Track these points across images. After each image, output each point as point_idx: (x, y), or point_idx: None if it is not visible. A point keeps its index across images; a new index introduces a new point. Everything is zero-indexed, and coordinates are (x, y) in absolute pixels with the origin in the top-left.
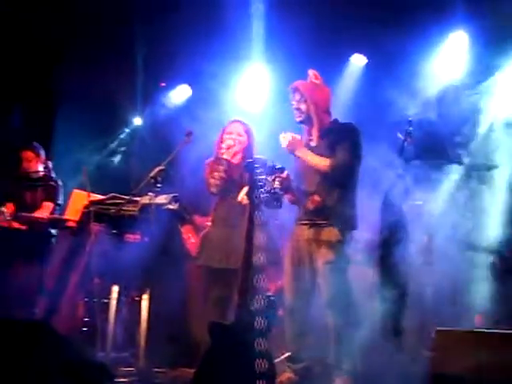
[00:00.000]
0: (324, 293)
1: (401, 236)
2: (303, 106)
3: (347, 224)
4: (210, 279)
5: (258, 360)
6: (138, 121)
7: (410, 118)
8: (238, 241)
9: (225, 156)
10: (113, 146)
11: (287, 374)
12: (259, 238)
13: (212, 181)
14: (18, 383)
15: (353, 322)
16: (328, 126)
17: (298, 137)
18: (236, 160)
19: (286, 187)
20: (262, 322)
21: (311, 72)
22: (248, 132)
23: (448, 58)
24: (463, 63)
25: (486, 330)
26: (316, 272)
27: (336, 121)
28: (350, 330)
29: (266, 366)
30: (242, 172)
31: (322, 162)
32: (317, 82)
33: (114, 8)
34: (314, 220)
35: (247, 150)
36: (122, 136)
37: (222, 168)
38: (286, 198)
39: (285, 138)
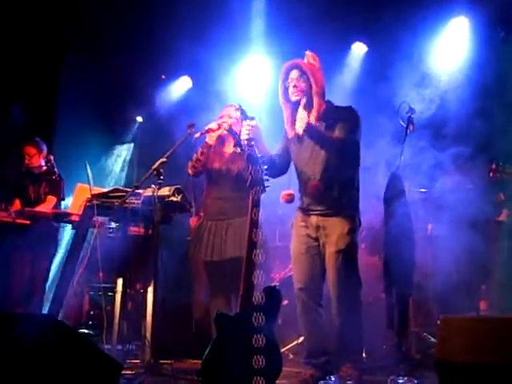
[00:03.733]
0: (333, 284)
1: (405, 222)
2: (303, 85)
3: (355, 210)
4: (206, 271)
5: (263, 351)
6: (139, 118)
7: (411, 106)
8: (230, 232)
9: (206, 139)
10: (116, 139)
11: (309, 371)
12: (259, 230)
13: (189, 162)
14: (27, 377)
15: (360, 313)
16: (325, 109)
17: None
18: (228, 149)
19: (254, 137)
20: (267, 312)
21: (309, 53)
22: (242, 113)
23: (449, 43)
24: (464, 49)
25: (490, 316)
26: (324, 259)
27: (331, 102)
28: (357, 320)
29: (272, 355)
30: (233, 163)
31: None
32: (315, 63)
33: (115, 2)
34: (321, 207)
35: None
36: (124, 129)
37: (200, 150)
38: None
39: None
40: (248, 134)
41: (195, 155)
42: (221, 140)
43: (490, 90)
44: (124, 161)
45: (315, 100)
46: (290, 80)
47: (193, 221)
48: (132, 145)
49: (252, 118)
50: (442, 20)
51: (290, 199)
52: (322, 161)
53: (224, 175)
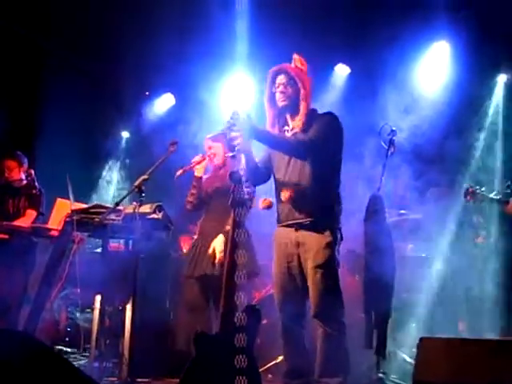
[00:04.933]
0: (313, 300)
1: (386, 243)
2: (290, 90)
3: (335, 222)
4: (196, 288)
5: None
6: (125, 133)
7: (393, 128)
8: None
9: (196, 173)
10: (99, 153)
11: None
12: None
13: (186, 199)
14: None
15: (343, 333)
16: (308, 118)
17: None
18: (225, 172)
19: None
20: (246, 331)
21: (296, 56)
22: (221, 141)
23: (431, 67)
24: (445, 72)
25: (469, 338)
26: (306, 277)
27: (314, 110)
28: (339, 342)
29: (250, 377)
30: (227, 184)
31: (281, 139)
32: (302, 67)
33: (99, 17)
34: (298, 218)
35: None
36: (108, 144)
37: (193, 185)
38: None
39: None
40: (240, 142)
41: (190, 191)
42: (206, 169)
43: (469, 114)
44: (108, 176)
45: (302, 105)
46: (277, 85)
47: (183, 240)
48: (114, 160)
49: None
50: (423, 44)
51: (268, 205)
52: (300, 168)
53: (213, 196)
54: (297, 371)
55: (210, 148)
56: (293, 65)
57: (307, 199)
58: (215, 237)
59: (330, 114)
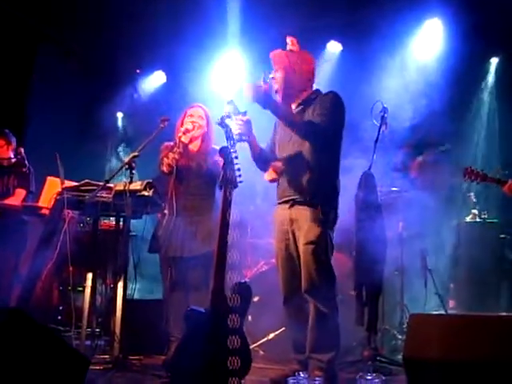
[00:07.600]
0: (304, 275)
1: (377, 220)
2: (278, 75)
3: (329, 200)
4: (167, 267)
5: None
6: (120, 114)
7: (385, 105)
8: (200, 228)
9: (183, 139)
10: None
11: (295, 367)
12: (232, 219)
13: (165, 160)
14: None
15: (334, 309)
16: (308, 96)
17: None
18: (195, 147)
19: (246, 131)
20: (237, 308)
21: (289, 39)
22: (208, 117)
23: (423, 44)
24: (437, 50)
25: (459, 314)
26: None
27: (318, 91)
28: (330, 318)
29: (240, 353)
30: (201, 161)
31: (296, 118)
32: (293, 48)
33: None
34: (293, 197)
35: (206, 136)
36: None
37: (177, 150)
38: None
39: (248, 87)
40: (240, 129)
41: (172, 154)
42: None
43: (461, 91)
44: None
45: (284, 87)
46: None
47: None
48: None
49: (244, 113)
50: (416, 21)
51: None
52: (300, 145)
53: (192, 172)
54: (299, 345)
55: (201, 118)
56: (287, 48)
57: (302, 176)
58: (195, 214)
59: (333, 93)
